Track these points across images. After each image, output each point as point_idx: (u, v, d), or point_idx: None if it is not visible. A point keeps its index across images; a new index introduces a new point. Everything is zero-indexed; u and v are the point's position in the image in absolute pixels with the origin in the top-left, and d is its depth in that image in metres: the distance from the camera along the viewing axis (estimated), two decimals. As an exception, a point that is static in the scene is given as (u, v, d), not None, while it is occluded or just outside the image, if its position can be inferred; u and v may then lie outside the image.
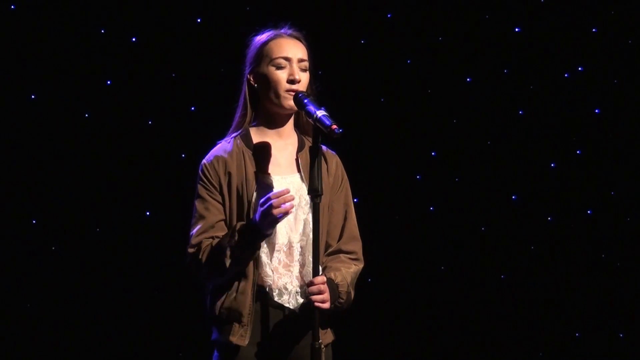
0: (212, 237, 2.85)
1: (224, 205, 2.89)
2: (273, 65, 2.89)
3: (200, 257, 2.82)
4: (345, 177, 3.02)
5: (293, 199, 2.73)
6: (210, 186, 2.89)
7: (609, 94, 4.92)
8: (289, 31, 2.96)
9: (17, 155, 4.44)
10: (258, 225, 2.75)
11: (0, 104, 4.43)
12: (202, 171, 2.91)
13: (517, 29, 4.91)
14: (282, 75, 2.88)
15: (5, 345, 4.43)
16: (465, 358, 4.90)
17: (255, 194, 2.86)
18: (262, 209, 2.71)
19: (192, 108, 4.63)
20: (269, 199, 2.69)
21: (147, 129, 4.58)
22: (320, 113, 2.72)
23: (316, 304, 2.74)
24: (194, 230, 2.86)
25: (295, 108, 2.86)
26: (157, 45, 4.57)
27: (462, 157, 4.91)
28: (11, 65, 4.42)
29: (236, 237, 2.77)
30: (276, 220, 2.72)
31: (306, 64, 2.92)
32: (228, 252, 2.77)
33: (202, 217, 2.87)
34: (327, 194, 2.93)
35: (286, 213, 2.71)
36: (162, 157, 4.56)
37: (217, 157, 2.91)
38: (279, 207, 2.69)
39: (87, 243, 4.51)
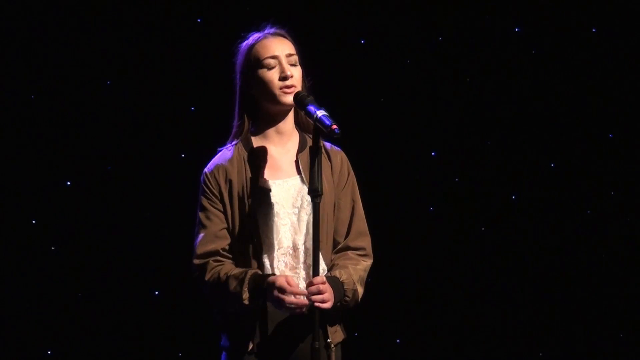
0: (218, 251, 2.86)
1: (225, 213, 2.89)
2: (263, 67, 2.90)
3: (206, 279, 2.84)
4: (352, 172, 3.02)
5: (307, 304, 2.74)
6: (212, 195, 2.90)
7: (609, 94, 4.92)
8: (272, 30, 2.97)
9: (17, 155, 4.44)
10: (267, 296, 2.77)
11: (0, 104, 4.42)
12: (204, 181, 2.93)
13: (517, 29, 4.91)
14: (273, 75, 2.89)
15: (5, 345, 4.43)
16: (466, 358, 4.90)
17: (257, 199, 2.87)
18: (276, 294, 2.72)
19: (192, 108, 4.63)
20: (285, 291, 2.71)
21: (147, 129, 4.57)
22: (320, 113, 2.72)
23: (316, 304, 2.74)
24: (198, 240, 2.88)
25: (293, 103, 2.86)
26: (157, 45, 4.56)
27: (462, 157, 4.91)
28: (11, 65, 4.42)
29: (243, 289, 2.77)
30: (284, 309, 2.75)
31: (295, 58, 2.92)
32: (231, 298, 2.79)
33: (204, 227, 2.89)
34: (333, 192, 2.94)
35: (294, 310, 2.74)
36: (162, 157, 4.56)
37: (217, 166, 2.92)
38: (291, 305, 2.72)
39: (87, 243, 4.51)
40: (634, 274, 4.91)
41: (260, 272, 2.83)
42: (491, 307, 4.91)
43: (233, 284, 2.79)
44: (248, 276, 2.79)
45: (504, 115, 4.92)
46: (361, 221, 3.00)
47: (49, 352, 4.48)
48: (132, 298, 4.53)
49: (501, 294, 4.92)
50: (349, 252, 2.96)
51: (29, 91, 4.46)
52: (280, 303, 2.73)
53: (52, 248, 4.48)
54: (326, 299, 2.76)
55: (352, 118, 4.47)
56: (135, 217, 4.54)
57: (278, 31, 2.97)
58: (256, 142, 2.95)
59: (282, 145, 2.96)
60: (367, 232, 3.01)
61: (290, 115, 2.97)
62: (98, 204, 4.51)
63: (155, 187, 4.55)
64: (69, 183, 4.50)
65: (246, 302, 2.77)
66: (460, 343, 4.90)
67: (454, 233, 4.90)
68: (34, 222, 4.46)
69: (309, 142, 2.96)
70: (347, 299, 2.87)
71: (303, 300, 2.74)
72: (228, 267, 2.85)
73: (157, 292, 4.57)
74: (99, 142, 4.52)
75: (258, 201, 2.87)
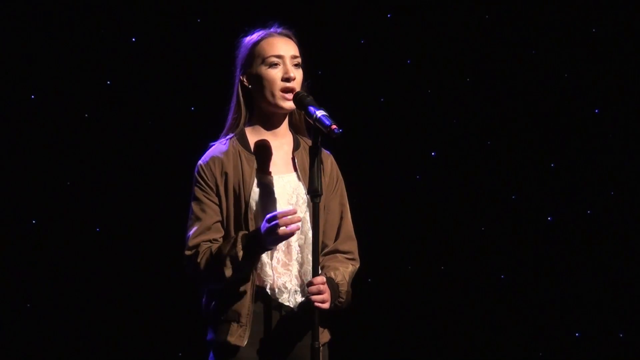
0: (210, 241, 2.84)
1: (220, 206, 2.87)
2: (266, 65, 2.89)
3: (198, 261, 2.81)
4: (340, 177, 3.02)
5: (300, 220, 2.72)
6: (207, 187, 2.88)
7: (608, 94, 4.92)
8: (279, 29, 2.96)
9: (17, 155, 4.44)
10: (262, 240, 2.73)
11: (0, 104, 4.43)
12: (198, 172, 2.90)
13: (516, 29, 4.91)
14: (276, 74, 2.88)
15: (5, 345, 4.43)
16: (465, 358, 4.90)
17: (252, 194, 2.86)
18: (268, 225, 2.70)
19: (192, 108, 4.63)
20: (276, 217, 2.68)
21: (147, 129, 4.57)
22: (320, 113, 2.72)
23: (316, 304, 2.74)
24: (190, 232, 2.85)
25: (292, 108, 2.86)
26: (157, 45, 4.56)
27: (462, 157, 4.91)
28: (11, 65, 4.42)
29: (237, 248, 2.75)
30: (281, 239, 2.72)
31: (299, 60, 2.92)
32: (228, 261, 2.76)
33: (198, 219, 2.86)
34: (324, 194, 2.92)
35: (291, 233, 2.70)
36: (162, 157, 4.56)
37: (213, 158, 2.90)
38: (285, 226, 2.68)
39: (87, 243, 4.51)
40: (634, 274, 4.90)
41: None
42: (491, 307, 4.91)
43: (226, 248, 2.76)
44: (239, 236, 2.77)
45: (504, 115, 4.92)
46: (349, 225, 3.00)
47: (49, 352, 4.48)
48: (132, 298, 4.53)
49: (501, 294, 4.92)
50: (338, 255, 2.96)
51: (29, 91, 4.46)
52: (274, 230, 2.67)
53: (52, 248, 4.49)
54: (326, 299, 2.77)
55: (352, 118, 4.47)
56: (135, 217, 4.54)
57: (285, 31, 2.96)
58: (251, 137, 2.94)
59: (277, 143, 2.95)
60: (354, 236, 3.01)
61: (285, 117, 2.97)
62: (98, 204, 4.51)
63: (156, 187, 4.55)
64: (69, 183, 4.50)
65: (241, 259, 2.73)
66: (459, 343, 4.90)
67: (453, 233, 4.90)
68: (34, 222, 4.46)
69: (302, 143, 2.96)
70: (342, 300, 2.87)
71: (296, 216, 2.69)
72: (218, 244, 2.83)
73: (157, 292, 4.57)
74: (99, 142, 4.52)
75: (256, 195, 2.86)
